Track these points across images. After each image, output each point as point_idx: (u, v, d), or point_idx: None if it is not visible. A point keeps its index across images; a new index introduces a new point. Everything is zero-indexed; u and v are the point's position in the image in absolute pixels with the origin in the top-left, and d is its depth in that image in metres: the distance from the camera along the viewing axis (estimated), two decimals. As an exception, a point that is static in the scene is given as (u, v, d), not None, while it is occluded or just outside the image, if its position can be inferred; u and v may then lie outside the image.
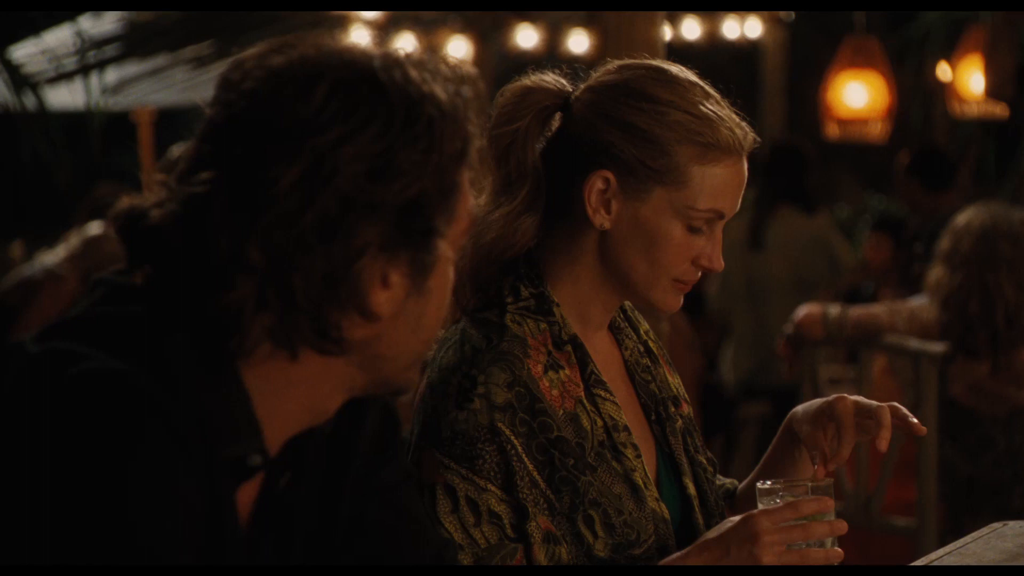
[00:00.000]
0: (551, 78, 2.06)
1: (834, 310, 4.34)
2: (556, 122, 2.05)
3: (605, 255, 2.03)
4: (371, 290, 1.39)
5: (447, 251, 1.45)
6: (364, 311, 1.40)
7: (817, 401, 2.07)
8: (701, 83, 2.04)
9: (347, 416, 1.53)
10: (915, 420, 2.03)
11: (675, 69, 2.04)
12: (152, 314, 1.38)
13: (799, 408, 2.10)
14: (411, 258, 1.41)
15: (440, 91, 1.42)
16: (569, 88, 2.06)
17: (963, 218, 4.30)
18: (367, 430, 1.58)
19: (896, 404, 2.03)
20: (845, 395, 2.05)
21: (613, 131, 2.00)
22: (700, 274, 2.04)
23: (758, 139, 2.04)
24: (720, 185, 1.99)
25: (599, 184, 2.00)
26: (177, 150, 6.48)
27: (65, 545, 1.27)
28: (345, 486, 1.55)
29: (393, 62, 1.41)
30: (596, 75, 2.06)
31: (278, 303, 1.37)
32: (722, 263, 2.02)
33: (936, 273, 4.29)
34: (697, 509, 2.09)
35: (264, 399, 1.41)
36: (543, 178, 2.03)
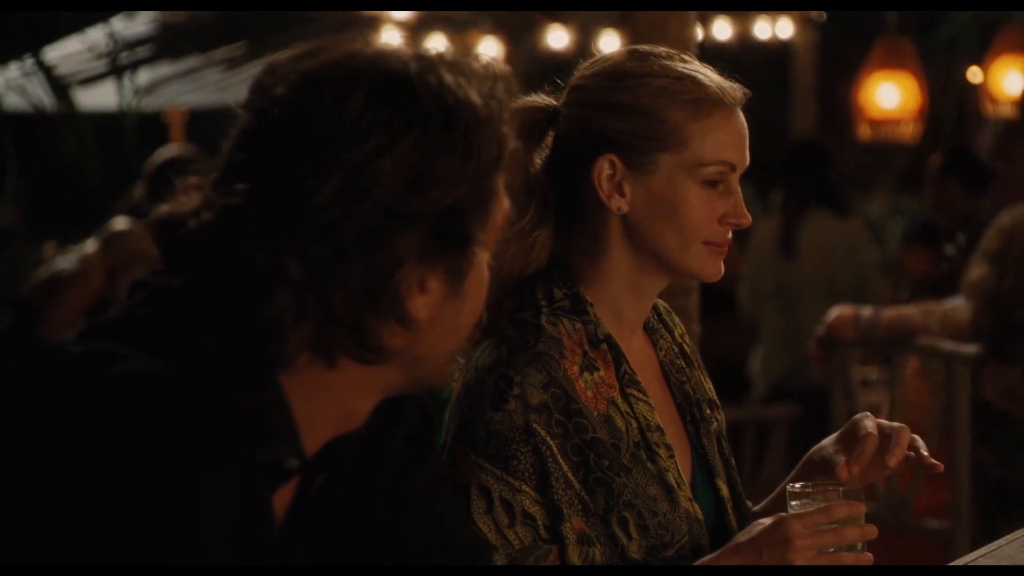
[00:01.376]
0: (538, 96, 2.10)
1: (866, 312, 4.32)
2: (550, 135, 2.08)
3: (633, 239, 2.04)
4: (409, 298, 1.39)
5: (483, 254, 1.45)
6: (403, 320, 1.39)
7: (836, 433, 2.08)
8: (676, 52, 2.06)
9: (382, 417, 1.53)
10: (929, 458, 2.02)
11: (647, 46, 2.08)
12: (191, 318, 1.38)
13: (822, 442, 2.09)
14: (448, 264, 1.41)
15: (475, 95, 1.41)
16: (555, 100, 2.09)
17: (1012, 218, 4.20)
18: (402, 431, 1.58)
19: (915, 436, 2.03)
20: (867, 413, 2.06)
21: (604, 116, 2.02)
22: (730, 235, 2.04)
23: (748, 91, 2.05)
24: (721, 136, 2.01)
25: (606, 169, 2.02)
26: (165, 152, 6.48)
27: (99, 544, 1.27)
28: (379, 488, 1.55)
29: (428, 66, 1.40)
30: (576, 75, 2.09)
31: (317, 314, 1.37)
32: (748, 216, 2.02)
33: (979, 273, 4.20)
34: (731, 511, 2.09)
35: (301, 404, 1.41)
36: (549, 190, 2.05)
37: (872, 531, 1.91)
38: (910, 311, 4.34)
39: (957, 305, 4.28)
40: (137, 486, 1.27)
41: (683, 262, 2.03)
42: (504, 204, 1.46)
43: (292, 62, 1.40)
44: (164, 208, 1.41)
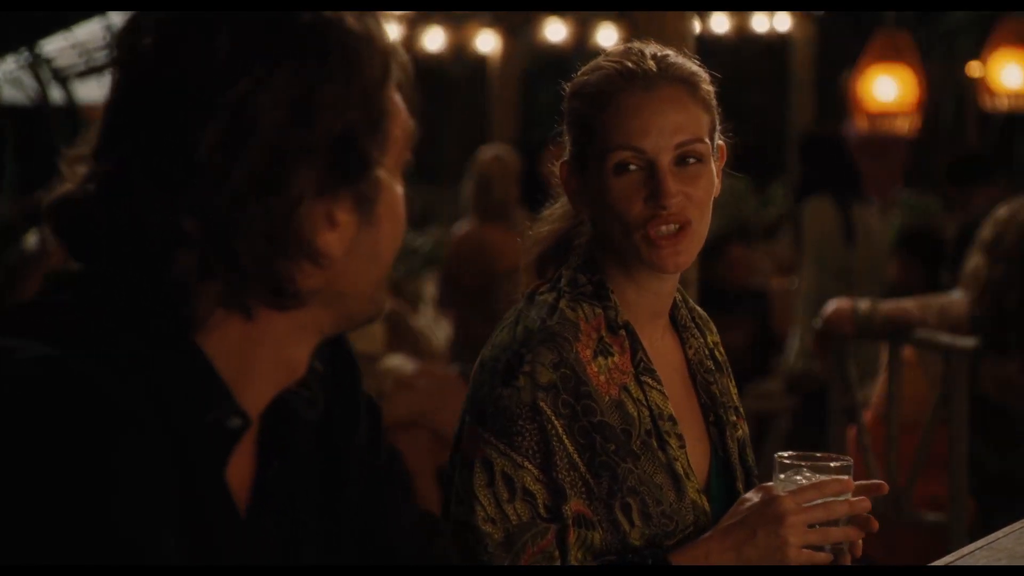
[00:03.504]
0: None
1: (864, 304, 4.32)
2: None
3: (599, 232, 2.07)
4: (317, 235, 1.32)
5: (387, 176, 1.37)
6: (314, 258, 1.32)
7: None
8: (634, 46, 2.07)
9: (337, 407, 1.49)
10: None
11: (619, 46, 2.11)
12: (90, 298, 1.31)
13: None
14: (353, 193, 1.33)
15: (349, 16, 1.33)
16: None
17: (1008, 210, 4.22)
18: (361, 422, 1.53)
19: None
20: None
21: (562, 121, 2.10)
22: (670, 226, 2.00)
23: (672, 64, 2.03)
24: (624, 122, 2.02)
25: (566, 176, 2.09)
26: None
27: (32, 545, 1.19)
28: (347, 475, 1.51)
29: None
30: None
31: (223, 269, 1.29)
32: (668, 197, 1.99)
33: (974, 263, 4.23)
34: None
35: (228, 363, 1.34)
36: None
37: (864, 504, 1.94)
38: (908, 304, 4.34)
39: (955, 298, 4.29)
40: (58, 482, 1.20)
41: (632, 254, 2.04)
42: (402, 119, 1.38)
43: (155, 12, 1.32)
44: (55, 193, 1.33)
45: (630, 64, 2.03)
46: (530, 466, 1.96)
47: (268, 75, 1.28)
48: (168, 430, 1.27)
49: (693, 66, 2.05)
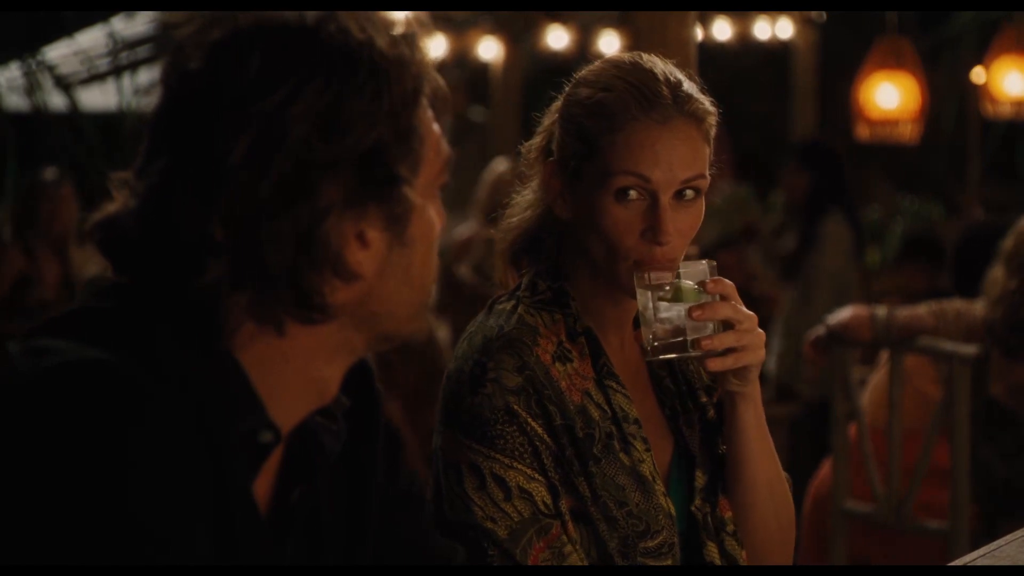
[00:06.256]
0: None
1: (882, 312, 4.31)
2: None
3: (579, 245, 2.06)
4: (346, 250, 1.36)
5: (419, 197, 1.41)
6: (342, 272, 1.36)
7: None
8: (652, 61, 2.07)
9: (359, 440, 1.52)
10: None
11: (631, 55, 2.09)
12: (132, 306, 1.35)
13: None
14: (383, 211, 1.37)
15: (379, 36, 1.38)
16: None
17: None
18: (380, 447, 1.55)
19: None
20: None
21: (555, 122, 2.09)
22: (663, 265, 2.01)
23: (711, 107, 2.05)
24: (634, 149, 2.01)
25: (552, 173, 2.08)
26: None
27: (68, 545, 1.22)
28: (371, 492, 1.54)
29: (327, 16, 1.37)
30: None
31: (252, 278, 1.34)
32: (665, 234, 2.00)
33: (995, 272, 4.24)
34: (697, 499, 2.10)
35: (262, 378, 1.38)
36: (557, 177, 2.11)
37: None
38: (923, 311, 4.32)
39: (972, 304, 4.29)
40: (88, 475, 1.23)
41: (605, 272, 2.04)
42: (435, 141, 1.43)
43: (198, 35, 1.37)
44: (99, 214, 1.39)
45: (647, 92, 2.02)
46: (521, 466, 1.97)
47: (298, 89, 1.34)
48: (203, 434, 1.31)
49: (704, 102, 2.06)
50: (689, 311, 1.97)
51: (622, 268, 2.02)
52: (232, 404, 1.35)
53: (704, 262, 2.00)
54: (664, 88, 2.03)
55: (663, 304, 1.97)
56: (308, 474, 1.45)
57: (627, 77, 2.04)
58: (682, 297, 1.97)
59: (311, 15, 1.37)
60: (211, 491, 1.30)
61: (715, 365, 2.00)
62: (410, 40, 1.40)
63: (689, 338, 1.98)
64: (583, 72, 2.10)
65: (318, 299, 1.36)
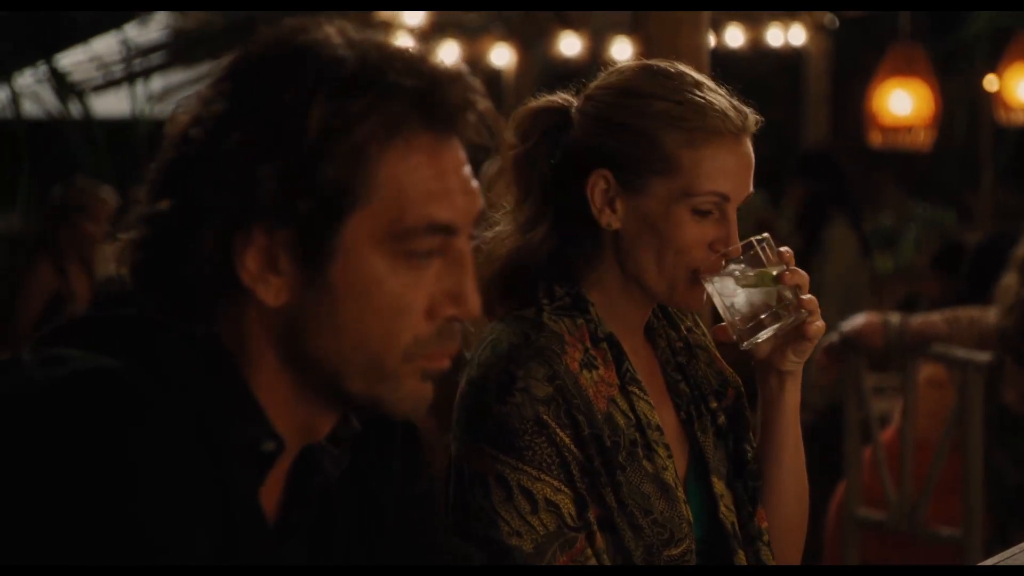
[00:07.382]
0: (559, 96, 2.11)
1: (895, 319, 4.30)
2: (566, 136, 2.08)
3: (620, 256, 2.05)
4: (247, 257, 1.35)
5: (358, 242, 1.35)
6: (239, 286, 1.36)
7: None
8: (691, 72, 2.06)
9: (373, 436, 1.52)
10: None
11: (663, 63, 2.07)
12: (143, 315, 1.38)
13: None
14: (297, 238, 1.34)
15: (350, 63, 1.40)
16: (574, 102, 2.10)
17: None
18: (396, 449, 1.56)
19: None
20: None
21: (604, 132, 2.04)
22: None
23: (761, 119, 2.06)
24: (716, 167, 2.01)
25: (600, 184, 2.03)
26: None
27: (74, 549, 1.25)
28: (386, 497, 1.54)
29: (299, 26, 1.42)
30: (593, 83, 2.10)
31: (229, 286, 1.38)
32: (737, 245, 2.01)
33: (1007, 279, 4.24)
34: (722, 507, 2.09)
35: (265, 393, 1.39)
36: (553, 189, 2.06)
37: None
38: (936, 318, 4.32)
39: (986, 312, 4.28)
40: (99, 484, 1.25)
41: (667, 291, 2.04)
42: (393, 194, 1.35)
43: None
44: (124, 236, 1.43)
45: (731, 113, 2.02)
46: (548, 478, 1.95)
47: (235, 112, 1.37)
48: (206, 442, 1.32)
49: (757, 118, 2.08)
50: (780, 277, 2.00)
51: (682, 276, 2.02)
52: (235, 414, 1.37)
53: (759, 237, 2.02)
54: (730, 104, 2.03)
55: (737, 290, 2.01)
56: (306, 500, 1.46)
57: (692, 90, 2.03)
58: (765, 277, 2.01)
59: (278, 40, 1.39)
60: (215, 498, 1.32)
61: (814, 331, 2.04)
62: (371, 54, 1.42)
63: (776, 309, 2.01)
64: (618, 79, 2.06)
65: (240, 299, 1.37)
